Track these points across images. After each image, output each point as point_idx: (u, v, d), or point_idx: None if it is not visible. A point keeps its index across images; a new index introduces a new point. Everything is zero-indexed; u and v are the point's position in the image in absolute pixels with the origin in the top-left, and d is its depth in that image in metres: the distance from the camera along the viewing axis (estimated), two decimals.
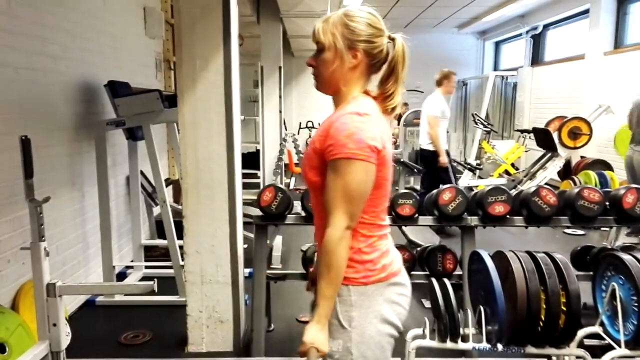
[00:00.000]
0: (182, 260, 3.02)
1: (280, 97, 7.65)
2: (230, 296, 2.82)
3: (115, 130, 3.54)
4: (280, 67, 7.50)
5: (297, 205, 2.75)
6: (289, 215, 2.67)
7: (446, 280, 2.14)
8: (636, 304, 1.95)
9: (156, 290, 2.03)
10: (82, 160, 3.52)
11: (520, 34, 9.71)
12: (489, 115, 10.12)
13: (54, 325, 1.98)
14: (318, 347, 1.23)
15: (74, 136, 3.41)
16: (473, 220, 2.66)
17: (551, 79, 8.77)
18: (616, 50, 7.09)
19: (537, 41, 9.50)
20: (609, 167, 6.08)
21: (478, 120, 8.18)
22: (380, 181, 1.28)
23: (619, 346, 1.98)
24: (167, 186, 4.07)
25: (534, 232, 5.23)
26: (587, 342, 2.23)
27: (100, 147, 3.38)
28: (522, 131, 7.69)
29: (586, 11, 7.66)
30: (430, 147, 5.20)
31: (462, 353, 2.56)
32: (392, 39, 1.33)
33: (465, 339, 2.07)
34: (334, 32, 1.30)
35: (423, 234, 4.39)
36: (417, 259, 2.83)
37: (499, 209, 2.57)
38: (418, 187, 6.95)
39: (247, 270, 3.15)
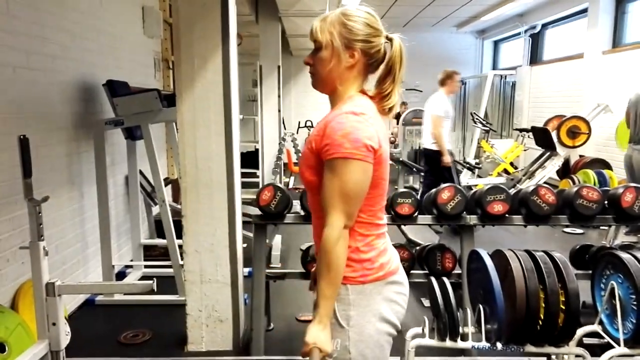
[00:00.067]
0: (182, 259, 3.02)
1: (279, 96, 7.65)
2: (229, 295, 2.83)
3: (114, 130, 3.54)
4: (279, 67, 7.50)
5: (296, 205, 2.75)
6: (288, 215, 2.68)
7: (445, 279, 2.15)
8: (635, 303, 1.96)
9: (155, 290, 2.03)
10: (80, 159, 3.52)
11: (519, 33, 9.71)
12: (488, 115, 10.14)
13: (54, 324, 1.99)
14: (320, 347, 1.23)
15: (73, 136, 3.41)
16: (472, 219, 2.66)
17: (550, 78, 8.78)
18: (615, 49, 7.09)
19: (536, 40, 9.51)
20: (607, 166, 6.08)
21: (477, 119, 8.19)
22: (377, 180, 1.28)
23: (618, 345, 1.99)
24: (166, 185, 4.07)
25: (533, 231, 5.24)
26: (586, 340, 2.24)
27: (99, 147, 3.38)
28: (521, 130, 7.70)
29: (585, 10, 7.67)
30: (434, 147, 5.19)
31: (462, 352, 2.56)
32: (390, 39, 1.33)
33: (464, 337, 2.08)
34: (331, 30, 1.30)
35: (422, 233, 4.40)
36: (416, 258, 2.83)
37: (497, 207, 2.57)
38: (417, 186, 6.98)
39: (247, 270, 3.15)
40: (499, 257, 2.10)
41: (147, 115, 3.34)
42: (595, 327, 2.10)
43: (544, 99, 8.89)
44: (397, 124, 8.24)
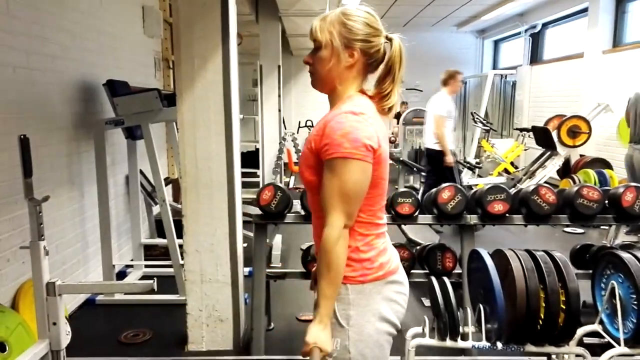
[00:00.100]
0: (182, 259, 3.02)
1: (279, 96, 7.65)
2: (230, 295, 2.83)
3: (114, 130, 3.54)
4: (279, 66, 7.49)
5: (297, 204, 2.75)
6: (288, 214, 2.68)
7: (446, 279, 2.14)
8: (635, 302, 1.96)
9: (156, 289, 2.03)
10: (81, 159, 3.52)
11: (519, 33, 9.71)
12: (488, 114, 10.13)
13: (54, 324, 1.99)
14: (321, 347, 1.22)
15: (73, 135, 3.41)
16: (472, 219, 2.66)
17: (550, 78, 8.77)
18: (615, 48, 7.09)
19: (536, 40, 9.50)
20: (608, 165, 6.08)
21: (477, 119, 8.18)
22: (376, 180, 1.28)
23: (619, 344, 1.98)
24: (166, 185, 4.07)
25: (533, 231, 5.24)
26: (586, 340, 2.24)
27: (100, 146, 3.38)
28: (522, 130, 7.70)
29: (585, 10, 7.66)
30: (436, 147, 5.19)
31: (462, 351, 2.56)
32: (390, 39, 1.33)
33: (464, 337, 2.08)
34: (331, 30, 1.30)
35: (423, 233, 4.40)
36: (416, 257, 2.83)
37: (498, 207, 2.57)
38: (417, 185, 6.97)
39: (247, 269, 3.15)
40: (499, 256, 2.10)
41: (148, 115, 3.34)
42: (596, 327, 2.10)
43: (544, 98, 8.89)
44: (398, 123, 8.24)
